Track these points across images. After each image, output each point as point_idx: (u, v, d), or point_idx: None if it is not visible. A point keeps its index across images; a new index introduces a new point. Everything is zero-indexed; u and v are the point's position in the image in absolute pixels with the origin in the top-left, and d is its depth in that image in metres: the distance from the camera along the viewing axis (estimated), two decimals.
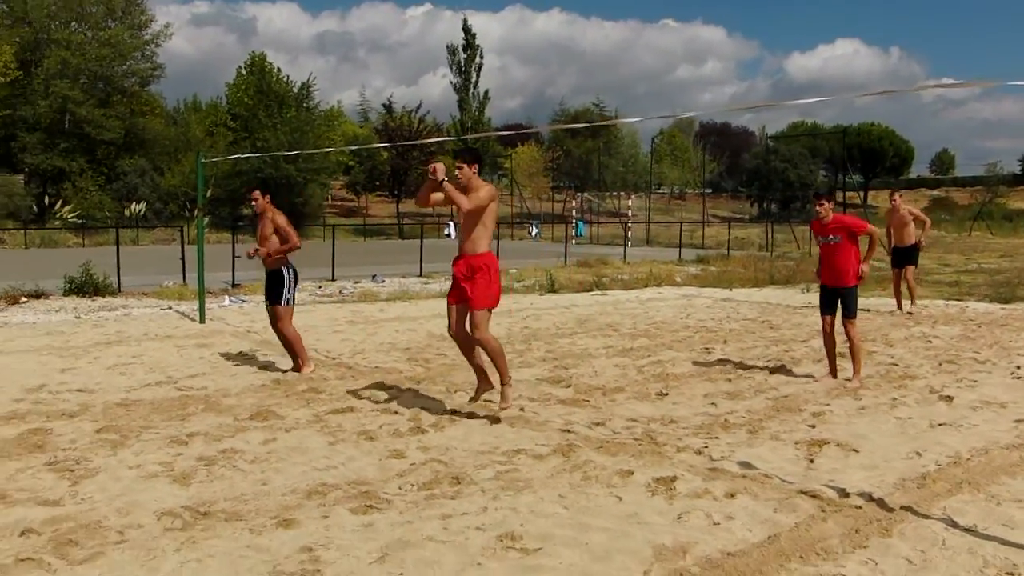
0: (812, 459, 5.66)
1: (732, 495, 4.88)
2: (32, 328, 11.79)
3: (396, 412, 6.98)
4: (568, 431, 6.39)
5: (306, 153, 42.97)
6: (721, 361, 9.38)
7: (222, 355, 9.67)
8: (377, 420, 6.71)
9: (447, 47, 69.43)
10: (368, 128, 70.78)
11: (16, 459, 5.59)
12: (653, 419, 6.76)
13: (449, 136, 62.95)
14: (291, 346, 8.58)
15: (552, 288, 17.84)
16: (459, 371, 8.73)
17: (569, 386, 8.08)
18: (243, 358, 9.53)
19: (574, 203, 53.12)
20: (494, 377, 6.92)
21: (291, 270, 8.57)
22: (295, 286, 8.64)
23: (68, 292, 15.42)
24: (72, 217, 42.67)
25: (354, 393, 7.69)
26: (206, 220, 13.69)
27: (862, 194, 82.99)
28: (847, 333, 8.21)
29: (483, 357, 6.89)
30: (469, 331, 6.68)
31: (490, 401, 7.36)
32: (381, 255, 30.22)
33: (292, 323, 8.60)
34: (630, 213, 45.05)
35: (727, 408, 7.13)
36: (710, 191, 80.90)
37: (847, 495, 4.89)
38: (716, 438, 6.17)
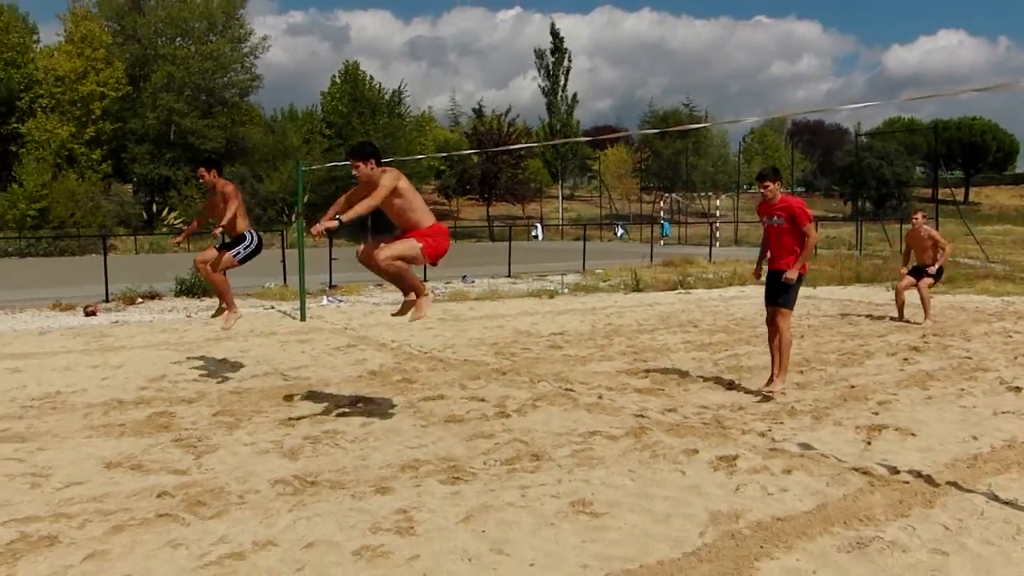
0: (870, 441, 6.01)
1: (789, 471, 5.29)
2: (149, 326, 12.76)
3: (483, 399, 7.53)
4: (642, 416, 6.85)
5: (398, 159, 44.10)
6: (796, 355, 9.67)
7: (322, 350, 10.39)
8: (465, 406, 7.27)
9: (535, 51, 70.02)
10: (458, 132, 71.99)
11: (147, 436, 6.33)
12: (723, 406, 7.17)
13: (538, 140, 63.63)
14: (217, 289, 8.58)
15: (637, 287, 18.23)
16: (543, 364, 9.25)
17: (646, 377, 8.51)
18: (341, 352, 10.23)
19: (662, 204, 53.13)
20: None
21: (256, 235, 8.53)
22: (254, 252, 8.54)
23: (179, 293, 16.50)
24: (178, 223, 44.62)
25: (444, 383, 8.28)
26: (304, 224, 14.52)
27: (963, 191, 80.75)
28: (777, 322, 7.64)
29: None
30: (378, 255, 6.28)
31: (570, 390, 7.87)
32: (471, 257, 30.92)
33: (226, 274, 8.52)
34: (718, 213, 44.87)
35: (795, 397, 7.48)
36: (802, 190, 79.69)
37: (897, 472, 5.25)
38: (781, 423, 6.55)
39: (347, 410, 7.18)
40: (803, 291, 17.42)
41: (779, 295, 7.62)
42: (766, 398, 7.45)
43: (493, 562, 4.00)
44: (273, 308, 15.00)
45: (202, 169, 8.51)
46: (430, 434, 6.39)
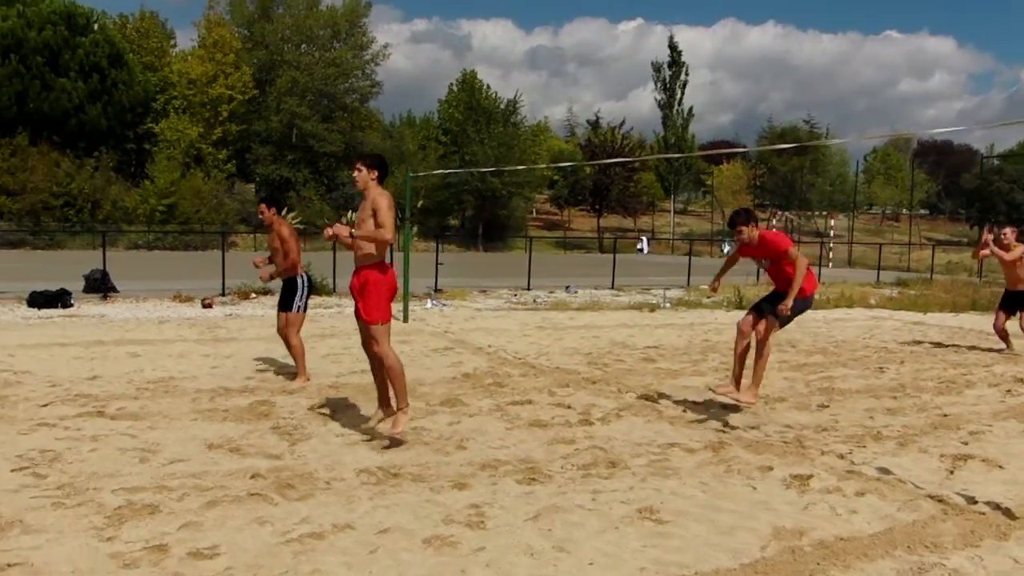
0: (952, 471, 5.93)
1: (861, 494, 5.29)
2: (260, 320, 13.38)
3: (569, 407, 7.70)
4: (723, 431, 6.91)
5: (511, 168, 44.65)
6: (892, 380, 9.53)
7: (420, 351, 10.73)
8: (551, 412, 7.45)
9: (652, 64, 69.95)
10: (573, 143, 72.28)
11: (247, 423, 6.74)
12: (807, 427, 7.15)
13: (652, 153, 63.36)
14: (293, 354, 8.55)
15: (740, 304, 18.09)
16: (634, 376, 9.37)
17: None
18: (438, 354, 10.54)
19: (775, 221, 52.24)
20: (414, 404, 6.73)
21: (305, 278, 8.60)
22: (307, 295, 8.59)
23: None
24: (295, 223, 46.09)
25: (534, 388, 8.49)
26: (414, 229, 14.97)
27: None
28: (761, 329, 7.37)
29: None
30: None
31: (656, 402, 7.96)
32: (578, 267, 31.14)
33: (299, 332, 8.56)
34: (832, 233, 43.88)
35: (883, 422, 7.40)
36: (926, 212, 77.13)
37: (975, 502, 5.19)
38: (863, 447, 6.52)
39: (437, 409, 7.45)
40: (912, 316, 17.08)
41: (774, 309, 7.32)
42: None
43: (554, 558, 4.18)
44: None
45: (263, 205, 8.75)
46: (513, 436, 6.60)
